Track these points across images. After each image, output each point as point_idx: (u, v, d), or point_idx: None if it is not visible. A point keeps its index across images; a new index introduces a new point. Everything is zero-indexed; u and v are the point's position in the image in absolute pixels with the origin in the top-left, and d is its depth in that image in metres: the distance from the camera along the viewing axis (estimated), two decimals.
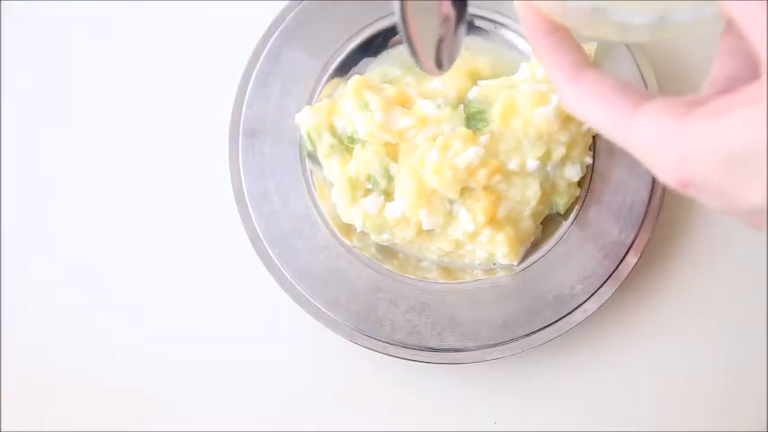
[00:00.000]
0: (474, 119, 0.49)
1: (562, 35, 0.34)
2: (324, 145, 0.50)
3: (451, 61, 0.40)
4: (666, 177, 0.30)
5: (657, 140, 0.30)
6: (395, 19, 0.36)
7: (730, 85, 0.31)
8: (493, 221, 0.48)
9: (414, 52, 0.38)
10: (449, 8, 0.37)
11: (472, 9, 0.52)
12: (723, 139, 0.28)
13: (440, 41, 0.38)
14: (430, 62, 0.39)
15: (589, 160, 0.51)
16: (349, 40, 0.52)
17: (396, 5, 0.35)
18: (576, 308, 0.49)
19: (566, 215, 0.51)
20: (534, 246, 0.51)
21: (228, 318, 0.52)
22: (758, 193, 0.28)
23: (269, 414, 0.51)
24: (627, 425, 0.51)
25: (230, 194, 0.51)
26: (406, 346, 0.49)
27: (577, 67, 0.33)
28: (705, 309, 0.52)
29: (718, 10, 0.29)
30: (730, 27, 0.31)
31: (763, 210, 0.29)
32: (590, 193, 0.51)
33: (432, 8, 0.37)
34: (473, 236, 0.49)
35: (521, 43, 0.52)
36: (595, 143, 0.51)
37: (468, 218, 0.48)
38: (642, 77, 0.51)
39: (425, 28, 0.37)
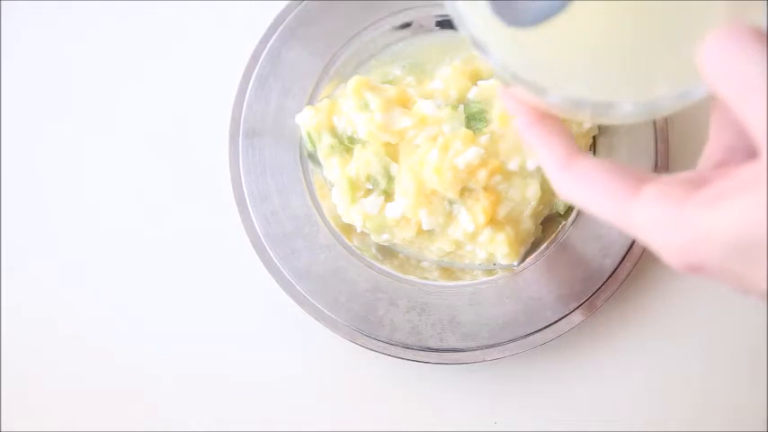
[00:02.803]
0: (474, 119, 0.49)
1: (551, 122, 0.33)
2: (324, 145, 0.50)
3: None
4: (674, 263, 0.29)
5: (660, 227, 0.29)
6: None
7: (727, 157, 0.30)
8: (493, 222, 0.48)
9: None
10: None
11: None
12: (727, 227, 0.27)
13: None
14: None
15: None
16: (349, 40, 0.52)
17: None
18: (577, 308, 0.49)
19: (566, 215, 0.51)
20: (534, 246, 0.51)
21: (228, 318, 0.52)
22: None
23: (269, 414, 0.51)
24: (627, 425, 0.51)
25: (230, 194, 0.51)
26: (406, 346, 0.49)
27: (569, 154, 0.32)
28: (705, 308, 0.52)
29: (706, 91, 0.28)
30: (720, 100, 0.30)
31: None
32: None
33: None
34: (473, 236, 0.49)
35: None
36: (595, 143, 0.51)
37: (469, 218, 0.48)
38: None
39: None
